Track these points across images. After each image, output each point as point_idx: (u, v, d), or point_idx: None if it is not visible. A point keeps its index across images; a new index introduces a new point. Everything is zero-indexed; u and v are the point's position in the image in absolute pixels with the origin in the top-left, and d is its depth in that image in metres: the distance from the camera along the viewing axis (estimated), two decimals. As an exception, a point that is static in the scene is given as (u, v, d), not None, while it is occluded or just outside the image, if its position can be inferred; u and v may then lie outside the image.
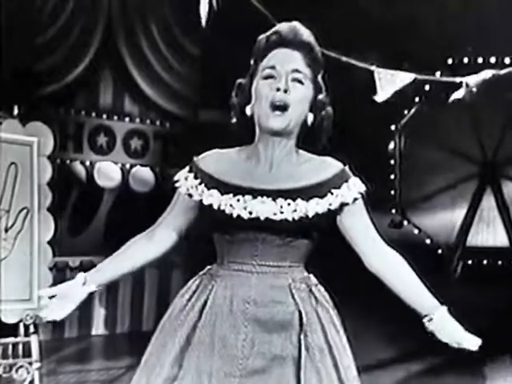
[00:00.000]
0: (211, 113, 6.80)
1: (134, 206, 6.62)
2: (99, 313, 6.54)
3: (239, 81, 2.06)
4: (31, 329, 4.13)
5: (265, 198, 1.94)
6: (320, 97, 2.04)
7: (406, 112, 8.39)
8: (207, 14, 3.94)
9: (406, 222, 9.04)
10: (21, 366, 4.06)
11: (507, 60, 7.21)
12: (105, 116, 6.61)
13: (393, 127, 8.57)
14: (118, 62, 6.41)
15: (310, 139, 2.04)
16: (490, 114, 8.00)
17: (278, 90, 1.93)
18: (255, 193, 1.95)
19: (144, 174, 6.64)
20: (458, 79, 4.05)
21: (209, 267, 2.05)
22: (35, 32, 5.59)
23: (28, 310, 4.11)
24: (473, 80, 3.98)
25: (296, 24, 2.04)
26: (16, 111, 4.28)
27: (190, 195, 2.02)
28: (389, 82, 3.99)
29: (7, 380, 4.06)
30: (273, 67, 1.97)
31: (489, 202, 8.98)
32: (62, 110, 6.34)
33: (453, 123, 7.98)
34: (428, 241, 9.13)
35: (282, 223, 1.93)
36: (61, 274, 6.22)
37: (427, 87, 7.54)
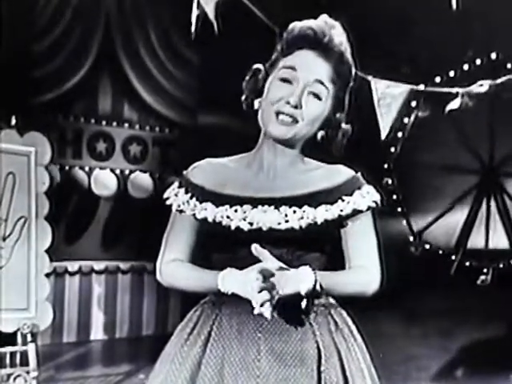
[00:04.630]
0: (210, 118, 6.82)
1: (133, 212, 6.63)
2: (98, 317, 6.55)
3: (256, 66, 1.83)
4: (29, 338, 4.14)
5: (266, 206, 1.73)
6: (338, 115, 1.81)
7: (405, 119, 8.39)
8: (196, 21, 3.92)
9: (405, 223, 9.07)
10: (18, 375, 4.06)
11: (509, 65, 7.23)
12: (104, 122, 6.61)
13: (392, 133, 8.56)
14: (117, 68, 6.41)
15: (318, 150, 1.84)
16: (490, 119, 8.02)
17: (288, 103, 1.72)
18: (255, 202, 1.74)
19: (143, 179, 6.65)
20: (453, 90, 4.04)
21: (211, 294, 1.79)
22: (33, 40, 5.60)
23: (25, 319, 4.13)
24: (468, 91, 3.98)
25: (335, 25, 1.79)
26: (14, 121, 4.30)
27: (182, 211, 1.81)
28: (386, 95, 3.99)
29: (5, 389, 4.08)
30: (293, 68, 1.74)
31: (489, 205, 9.00)
32: (61, 117, 6.34)
33: (453, 128, 7.99)
34: (427, 246, 9.15)
35: (287, 233, 1.71)
36: (60, 279, 6.25)
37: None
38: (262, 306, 1.60)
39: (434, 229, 9.07)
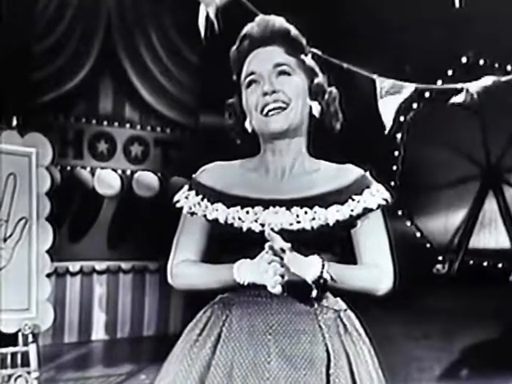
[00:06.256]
0: (211, 119, 6.81)
1: (136, 211, 6.63)
2: (99, 318, 6.55)
3: (227, 102, 1.89)
4: (30, 338, 4.13)
5: (277, 207, 1.74)
6: (317, 80, 1.84)
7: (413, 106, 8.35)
8: (205, 25, 3.91)
9: (409, 224, 9.08)
10: (19, 376, 4.06)
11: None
12: (105, 123, 6.61)
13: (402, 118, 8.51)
14: (118, 68, 6.41)
15: (320, 131, 1.84)
16: (495, 118, 8.02)
17: (266, 94, 1.76)
18: (266, 203, 1.75)
19: (147, 179, 6.65)
20: (458, 85, 4.00)
21: (221, 295, 1.80)
22: (34, 40, 5.60)
23: (26, 320, 4.12)
24: (474, 86, 3.94)
25: (261, 17, 1.85)
26: (15, 122, 4.30)
27: (194, 213, 1.82)
28: (390, 93, 3.95)
29: (6, 389, 4.08)
30: (252, 73, 1.79)
31: (491, 204, 9.00)
32: (62, 117, 6.35)
33: (458, 125, 8.00)
34: (428, 244, 9.16)
35: (299, 234, 1.71)
36: (61, 279, 6.25)
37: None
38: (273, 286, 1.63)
39: (434, 226, 9.10)
